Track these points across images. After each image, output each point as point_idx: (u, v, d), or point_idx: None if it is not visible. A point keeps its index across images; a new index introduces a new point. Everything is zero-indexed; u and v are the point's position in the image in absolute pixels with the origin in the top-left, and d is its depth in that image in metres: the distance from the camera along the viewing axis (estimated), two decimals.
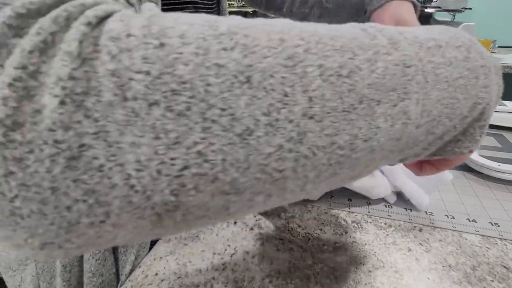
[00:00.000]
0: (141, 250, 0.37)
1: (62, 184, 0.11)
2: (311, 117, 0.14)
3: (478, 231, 0.38)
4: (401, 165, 0.44)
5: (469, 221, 0.40)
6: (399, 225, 0.40)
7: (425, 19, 1.46)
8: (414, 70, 0.16)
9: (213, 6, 0.49)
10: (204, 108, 0.12)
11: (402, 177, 0.43)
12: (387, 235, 0.38)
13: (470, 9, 1.44)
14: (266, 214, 0.42)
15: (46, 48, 0.11)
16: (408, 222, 0.40)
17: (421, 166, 0.28)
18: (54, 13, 0.12)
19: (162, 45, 0.12)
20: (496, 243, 0.37)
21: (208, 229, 0.39)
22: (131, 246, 0.36)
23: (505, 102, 0.75)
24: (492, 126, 0.69)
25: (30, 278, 0.38)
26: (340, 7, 0.49)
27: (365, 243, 0.37)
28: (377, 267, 0.33)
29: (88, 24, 0.12)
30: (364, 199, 0.44)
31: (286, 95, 0.13)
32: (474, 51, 0.20)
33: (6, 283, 0.42)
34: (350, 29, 0.16)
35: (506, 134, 0.67)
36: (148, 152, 0.12)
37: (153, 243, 0.41)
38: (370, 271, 0.33)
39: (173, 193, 0.12)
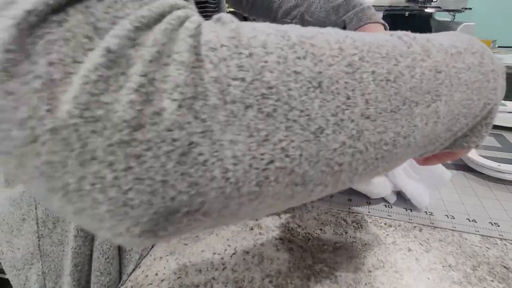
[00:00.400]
0: (145, 250, 0.37)
1: (171, 177, 0.13)
2: (367, 117, 0.16)
3: (478, 231, 0.38)
4: (401, 165, 0.44)
5: (469, 221, 0.40)
6: (399, 225, 0.40)
7: (425, 19, 1.46)
8: (444, 75, 0.19)
9: (216, 6, 0.49)
10: (287, 110, 0.14)
11: (402, 176, 0.43)
12: (387, 235, 0.38)
13: (470, 9, 1.43)
14: (266, 214, 0.42)
15: (160, 58, 0.13)
16: (408, 222, 0.40)
17: (426, 158, 0.30)
18: (161, 26, 0.13)
19: (251, 54, 0.14)
20: (496, 243, 0.37)
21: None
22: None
23: (505, 102, 0.75)
24: (492, 126, 0.69)
25: (36, 278, 0.38)
26: (321, 23, 0.52)
27: (365, 243, 0.37)
28: (377, 267, 0.33)
29: (191, 36, 0.13)
30: (364, 199, 0.44)
31: (348, 98, 0.15)
32: (487, 57, 0.22)
33: (11, 282, 0.42)
34: (388, 38, 0.19)
35: (506, 134, 0.67)
36: (243, 149, 0.13)
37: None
38: (370, 271, 0.33)
39: (258, 184, 0.14)
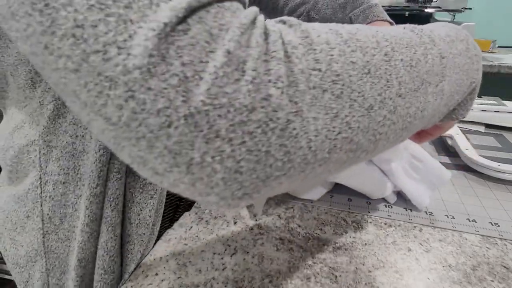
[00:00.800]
0: (146, 250, 0.37)
1: (273, 148, 0.16)
2: (399, 95, 0.20)
3: (478, 231, 0.38)
4: (402, 165, 0.44)
5: (469, 221, 0.40)
6: (399, 225, 0.40)
7: (425, 19, 1.46)
8: (446, 60, 0.23)
9: None
10: (349, 92, 0.18)
11: (402, 177, 0.43)
12: (387, 235, 0.38)
13: (470, 9, 1.43)
14: (266, 214, 0.42)
15: (263, 56, 0.16)
16: (408, 222, 0.40)
17: (419, 135, 0.35)
18: (257, 30, 0.17)
19: (321, 50, 0.17)
20: (496, 243, 0.37)
21: (208, 229, 0.39)
22: (138, 244, 0.36)
23: (505, 102, 0.75)
24: (492, 126, 0.69)
25: (39, 275, 0.38)
26: (326, 20, 0.53)
27: (365, 243, 0.37)
28: (377, 267, 0.33)
29: (280, 38, 0.17)
30: (364, 199, 0.44)
31: (388, 81, 0.19)
32: (471, 44, 0.27)
33: (14, 279, 0.42)
34: (404, 31, 0.23)
35: (506, 134, 0.67)
36: (322, 123, 0.17)
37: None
38: (370, 271, 0.33)
39: (329, 151, 0.18)
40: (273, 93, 0.15)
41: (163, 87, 0.14)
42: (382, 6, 1.56)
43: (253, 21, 0.17)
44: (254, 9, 0.18)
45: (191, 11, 0.15)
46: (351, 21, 0.52)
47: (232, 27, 0.16)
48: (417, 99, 0.21)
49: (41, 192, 0.35)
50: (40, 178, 0.35)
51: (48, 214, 0.36)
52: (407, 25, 0.24)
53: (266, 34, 0.17)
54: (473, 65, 0.27)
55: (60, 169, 0.34)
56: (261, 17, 0.18)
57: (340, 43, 0.18)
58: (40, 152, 0.34)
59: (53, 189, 0.34)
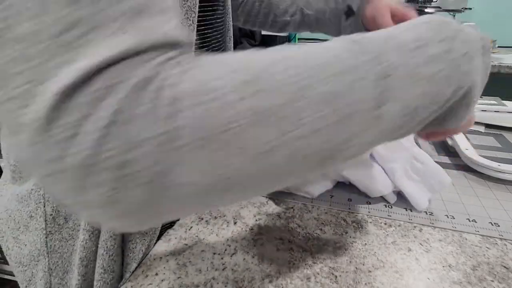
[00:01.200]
0: (148, 249, 0.37)
1: (153, 194, 0.17)
2: (302, 137, 0.18)
3: (478, 231, 0.38)
4: (403, 165, 0.44)
5: (469, 221, 0.40)
6: (399, 225, 0.40)
7: None
8: (391, 78, 0.20)
9: (223, 7, 0.49)
10: (236, 142, 0.17)
11: (403, 178, 0.43)
12: (387, 235, 0.38)
13: (470, 9, 1.43)
14: (266, 214, 0.42)
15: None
16: (408, 222, 0.40)
17: (428, 134, 0.31)
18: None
19: (212, 99, 0.16)
20: (496, 243, 0.37)
21: (208, 229, 0.39)
22: (140, 243, 0.36)
23: (505, 102, 0.75)
24: (492, 126, 0.69)
25: (42, 274, 0.38)
26: (321, 13, 0.51)
27: (365, 243, 0.37)
28: (377, 267, 0.33)
29: (168, 96, 0.16)
30: (364, 199, 0.44)
31: (291, 124, 0.18)
32: (458, 41, 0.23)
33: (17, 278, 0.42)
34: (339, 52, 0.20)
35: (506, 134, 0.67)
36: (202, 171, 0.17)
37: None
38: (370, 271, 0.33)
39: (222, 190, 0.18)
40: (148, 149, 0.15)
41: (54, 141, 0.15)
42: None
43: (147, 80, 0.16)
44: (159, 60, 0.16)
45: (90, 75, 0.15)
46: (349, 9, 0.49)
47: (124, 86, 0.15)
48: (335, 133, 0.19)
49: (44, 193, 0.35)
50: None
51: (51, 215, 0.36)
52: (353, 38, 0.21)
53: (156, 91, 0.16)
54: (459, 67, 0.22)
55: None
56: (162, 69, 0.16)
57: (237, 88, 0.17)
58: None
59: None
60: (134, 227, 0.18)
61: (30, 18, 0.15)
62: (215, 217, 0.41)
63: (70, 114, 0.15)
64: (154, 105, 0.15)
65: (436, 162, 0.55)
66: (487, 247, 0.36)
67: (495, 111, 0.70)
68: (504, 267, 0.33)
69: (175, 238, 0.38)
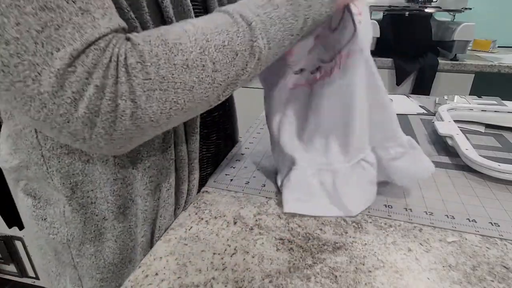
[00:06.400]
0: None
1: (129, 127, 0.27)
2: (215, 71, 0.30)
3: (478, 231, 0.38)
4: (388, 151, 0.44)
5: (469, 221, 0.40)
6: (399, 225, 0.40)
7: (425, 19, 1.46)
8: (255, 23, 0.31)
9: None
10: (173, 85, 0.28)
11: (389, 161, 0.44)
12: (387, 235, 0.38)
13: (470, 9, 1.43)
14: (266, 214, 0.42)
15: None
16: (408, 222, 0.40)
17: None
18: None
19: (151, 64, 0.26)
20: (496, 243, 0.37)
21: (208, 229, 0.39)
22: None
23: (505, 102, 0.75)
24: (492, 126, 0.69)
25: (61, 246, 0.41)
26: None
27: (365, 243, 0.37)
28: (377, 267, 0.33)
29: (124, 65, 0.26)
30: None
31: (203, 66, 0.29)
32: None
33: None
34: (222, 16, 0.31)
35: (506, 134, 0.67)
36: (155, 108, 0.27)
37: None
38: (370, 271, 0.33)
39: (167, 118, 0.29)
40: (120, 102, 0.25)
41: (62, 103, 0.24)
42: (382, 6, 1.54)
43: (111, 59, 0.25)
44: (115, 42, 0.25)
45: (76, 56, 0.23)
46: None
47: (100, 65, 0.24)
48: (234, 66, 0.30)
49: (47, 169, 0.36)
50: (43, 155, 0.35)
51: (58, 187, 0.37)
52: (225, 8, 0.32)
53: (119, 64, 0.25)
54: (300, 6, 0.33)
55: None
56: (117, 49, 0.25)
57: (166, 52, 0.26)
58: (36, 131, 0.35)
59: (59, 162, 0.35)
60: (120, 149, 0.29)
61: (13, 26, 0.22)
62: (215, 217, 0.41)
63: (70, 86, 0.24)
64: (117, 75, 0.25)
65: (436, 162, 0.55)
66: (487, 247, 0.36)
67: (495, 111, 0.70)
68: (504, 267, 0.33)
69: (175, 238, 0.38)
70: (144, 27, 0.32)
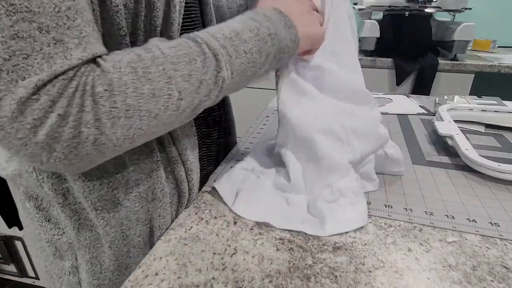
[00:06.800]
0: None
1: (90, 151, 0.27)
2: (181, 99, 0.31)
3: (478, 231, 0.38)
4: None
5: (469, 221, 0.40)
6: (399, 225, 0.40)
7: (425, 19, 1.46)
8: (221, 56, 0.32)
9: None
10: (139, 113, 0.28)
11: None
12: (387, 235, 0.38)
13: (470, 9, 1.43)
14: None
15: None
16: (408, 222, 0.40)
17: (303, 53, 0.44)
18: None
19: (119, 93, 0.27)
20: (496, 243, 0.37)
21: (208, 229, 0.39)
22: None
23: (505, 102, 0.75)
24: (492, 126, 0.69)
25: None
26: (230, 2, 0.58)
27: (365, 243, 0.37)
28: (377, 267, 0.33)
29: (91, 94, 0.26)
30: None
31: (169, 95, 0.30)
32: (263, 28, 0.36)
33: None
34: (190, 45, 0.32)
35: (506, 134, 0.67)
36: (120, 134, 0.28)
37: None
38: (370, 271, 0.33)
39: (130, 142, 0.30)
40: (83, 130, 0.25)
41: (21, 128, 0.24)
42: (382, 6, 1.54)
43: (77, 88, 0.25)
44: (84, 72, 0.26)
45: (41, 86, 0.23)
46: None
47: (64, 95, 0.24)
48: (199, 94, 0.32)
49: (37, 176, 0.36)
50: None
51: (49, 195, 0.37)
52: (193, 36, 0.32)
53: (84, 94, 0.25)
54: (266, 43, 0.36)
55: None
56: (84, 78, 0.25)
57: (135, 81, 0.27)
58: None
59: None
60: (78, 171, 0.29)
61: None
62: (215, 217, 0.41)
63: (32, 113, 0.24)
64: (82, 105, 0.25)
65: (436, 162, 0.55)
66: (487, 247, 0.36)
67: (495, 111, 0.70)
68: (504, 267, 0.33)
69: (175, 238, 0.38)
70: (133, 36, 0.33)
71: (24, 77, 0.23)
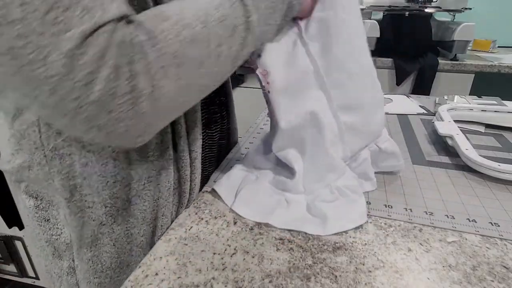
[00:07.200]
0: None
1: (147, 109, 0.27)
2: (219, 45, 0.30)
3: (478, 231, 0.38)
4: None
5: (469, 221, 0.40)
6: (399, 225, 0.40)
7: (425, 19, 1.46)
8: (251, 3, 0.32)
9: None
10: (186, 60, 0.28)
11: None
12: (387, 235, 0.38)
13: (470, 9, 1.43)
14: None
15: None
16: (408, 222, 0.40)
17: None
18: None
19: (161, 40, 0.26)
20: (496, 243, 0.37)
21: (208, 229, 0.39)
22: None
23: (505, 102, 0.75)
24: (492, 126, 0.69)
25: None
26: None
27: (365, 243, 0.37)
28: (377, 267, 0.33)
29: (137, 43, 0.25)
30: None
31: (208, 40, 0.29)
32: None
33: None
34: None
35: (506, 134, 0.67)
36: (173, 87, 0.28)
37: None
38: (370, 271, 0.33)
39: (184, 96, 0.31)
40: (137, 82, 0.25)
41: (74, 86, 0.23)
42: (382, 6, 1.54)
43: (123, 39, 0.24)
44: (125, 28, 0.25)
45: (85, 38, 0.22)
46: None
47: (112, 45, 0.23)
48: (235, 41, 0.31)
49: (49, 169, 0.36)
50: (45, 155, 0.35)
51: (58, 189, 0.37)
52: None
53: (131, 44, 0.24)
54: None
55: (64, 142, 0.35)
56: (126, 29, 0.25)
57: (172, 27, 0.27)
58: (40, 131, 0.35)
59: (60, 163, 0.35)
60: (138, 139, 0.29)
61: (17, 6, 0.21)
62: (215, 217, 0.41)
63: (83, 68, 0.23)
64: (132, 53, 0.24)
65: (436, 162, 0.55)
66: (487, 247, 0.36)
67: (495, 111, 0.70)
68: (504, 267, 0.33)
69: (175, 238, 0.38)
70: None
71: (67, 30, 0.22)
